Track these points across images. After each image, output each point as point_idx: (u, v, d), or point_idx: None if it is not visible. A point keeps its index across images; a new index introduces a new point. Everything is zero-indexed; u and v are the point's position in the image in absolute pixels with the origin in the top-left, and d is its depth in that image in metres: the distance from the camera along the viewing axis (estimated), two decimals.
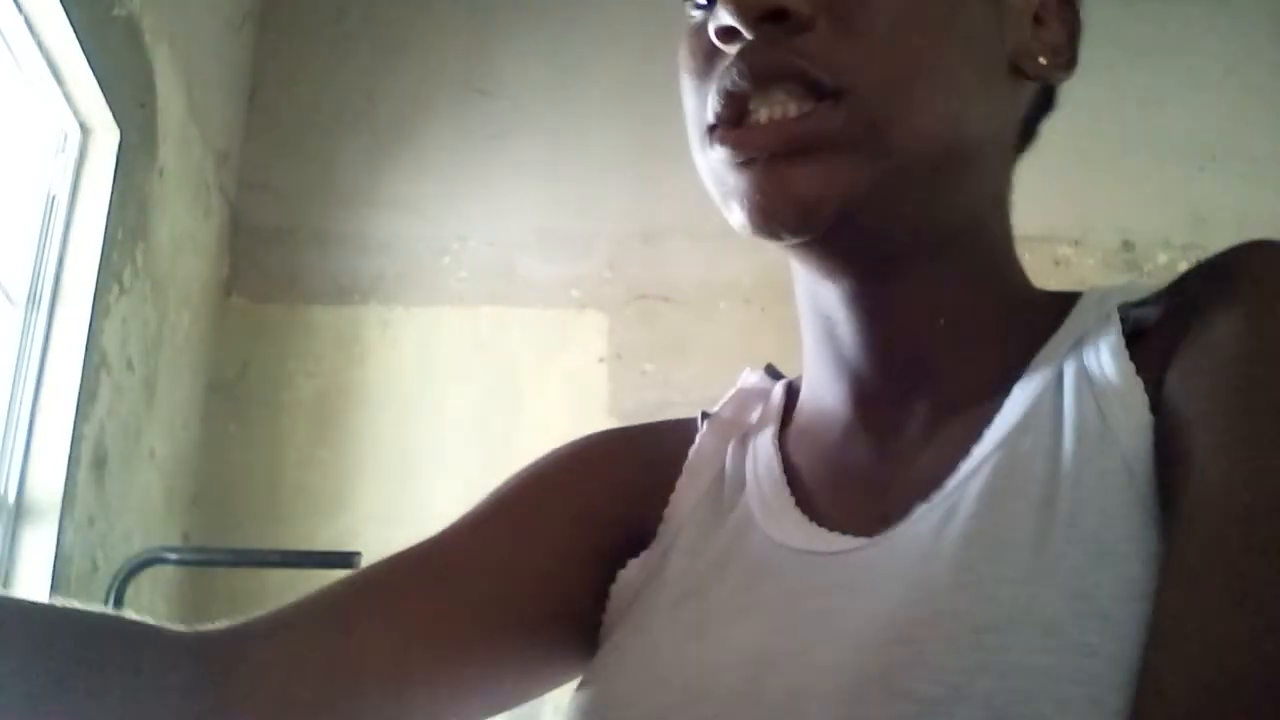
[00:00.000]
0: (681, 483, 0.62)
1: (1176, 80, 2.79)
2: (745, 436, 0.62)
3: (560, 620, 0.60)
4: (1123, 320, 0.51)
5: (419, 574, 0.59)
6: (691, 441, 0.64)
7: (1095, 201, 2.68)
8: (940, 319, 0.54)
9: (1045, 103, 0.59)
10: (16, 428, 1.83)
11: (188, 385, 2.38)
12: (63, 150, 1.97)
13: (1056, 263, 2.59)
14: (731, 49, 0.50)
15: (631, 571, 0.60)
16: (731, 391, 0.67)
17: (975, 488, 0.48)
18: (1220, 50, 2.81)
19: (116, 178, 1.98)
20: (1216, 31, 2.83)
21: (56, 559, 1.79)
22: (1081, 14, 0.57)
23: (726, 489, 0.60)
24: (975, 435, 0.51)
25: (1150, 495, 0.44)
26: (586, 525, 0.62)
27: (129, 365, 2.07)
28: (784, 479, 0.58)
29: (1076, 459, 0.46)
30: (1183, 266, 0.53)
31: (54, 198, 1.95)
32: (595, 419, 2.48)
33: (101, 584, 1.86)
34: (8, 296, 1.87)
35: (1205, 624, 0.38)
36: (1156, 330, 0.50)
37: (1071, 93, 0.60)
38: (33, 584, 1.77)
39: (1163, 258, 2.65)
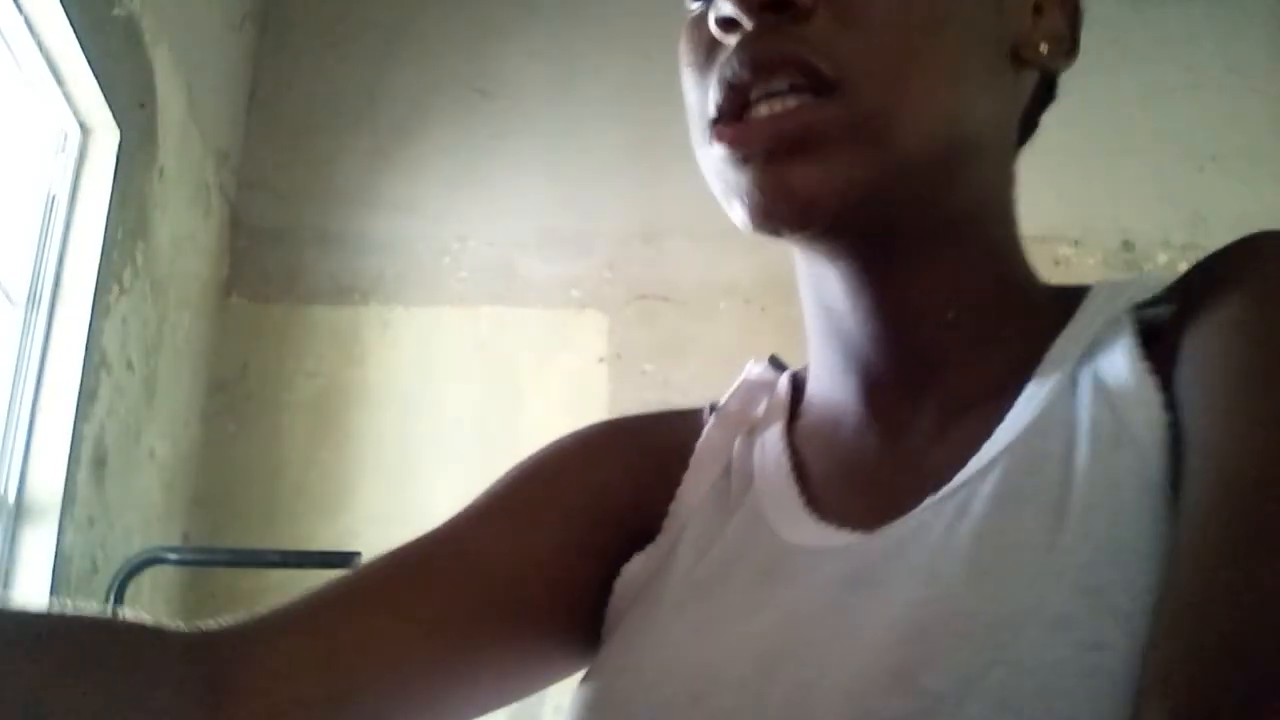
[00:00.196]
0: (688, 476, 0.61)
1: (1176, 80, 2.79)
2: (752, 430, 0.62)
3: (562, 614, 0.60)
4: (1135, 321, 0.51)
5: (419, 570, 0.59)
6: (697, 433, 0.63)
7: (1095, 201, 2.68)
8: (948, 311, 0.54)
9: (1046, 93, 0.59)
10: (16, 428, 1.83)
11: (188, 385, 2.38)
12: (63, 150, 1.97)
13: (1056, 263, 2.59)
14: (731, 40, 0.50)
15: (636, 565, 0.59)
16: (736, 383, 0.66)
17: (988, 487, 0.48)
18: (1220, 50, 2.81)
19: (116, 178, 1.98)
20: (1216, 31, 2.83)
21: (56, 559, 1.79)
22: (1081, 2, 0.57)
23: (734, 484, 0.60)
24: (987, 433, 0.51)
25: (1168, 491, 0.44)
26: (589, 518, 0.61)
27: (129, 365, 2.07)
28: (793, 476, 0.57)
29: (1090, 461, 0.46)
30: (1183, 266, 0.53)
31: (54, 198, 1.95)
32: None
33: (101, 584, 1.86)
34: (8, 296, 1.87)
35: (1204, 595, 0.38)
36: (1168, 329, 0.50)
37: (1072, 92, 0.60)
38: (33, 584, 1.78)
39: (1163, 258, 2.65)
